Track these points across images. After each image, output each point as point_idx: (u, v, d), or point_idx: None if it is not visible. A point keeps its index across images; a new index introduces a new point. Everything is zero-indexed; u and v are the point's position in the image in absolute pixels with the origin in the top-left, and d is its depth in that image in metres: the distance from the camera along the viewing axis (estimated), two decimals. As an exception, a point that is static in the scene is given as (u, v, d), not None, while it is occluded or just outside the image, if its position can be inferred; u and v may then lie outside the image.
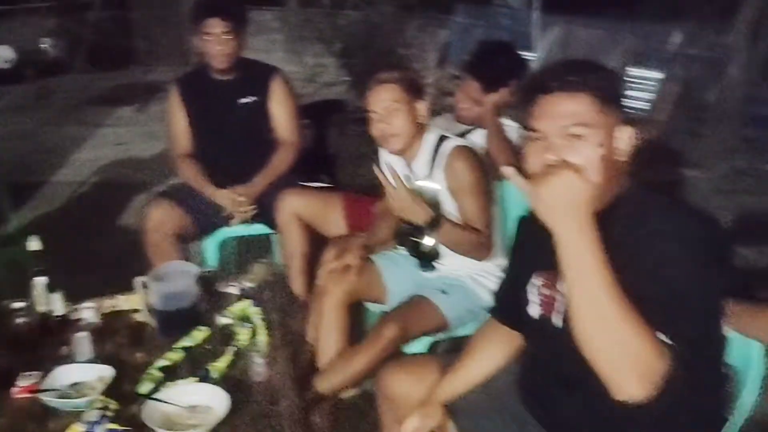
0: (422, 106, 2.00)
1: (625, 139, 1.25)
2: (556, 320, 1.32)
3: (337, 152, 3.44)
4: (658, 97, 5.13)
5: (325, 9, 6.80)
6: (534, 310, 1.39)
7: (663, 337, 1.09)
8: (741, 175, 4.56)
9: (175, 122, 2.73)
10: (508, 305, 1.51)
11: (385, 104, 1.97)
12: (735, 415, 1.39)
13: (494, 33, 6.72)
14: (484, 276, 2.05)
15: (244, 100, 2.69)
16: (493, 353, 1.54)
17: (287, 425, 1.58)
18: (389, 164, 2.14)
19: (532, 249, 1.41)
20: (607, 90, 1.25)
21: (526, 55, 6.01)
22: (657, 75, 5.19)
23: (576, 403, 1.30)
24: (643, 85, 5.26)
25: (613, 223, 1.23)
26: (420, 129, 2.02)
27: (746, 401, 1.40)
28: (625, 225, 1.23)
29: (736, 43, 4.75)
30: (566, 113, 1.23)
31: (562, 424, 1.34)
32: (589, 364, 1.14)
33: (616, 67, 1.40)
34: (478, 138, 2.42)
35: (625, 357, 1.07)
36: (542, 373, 1.40)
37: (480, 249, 1.96)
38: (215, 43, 2.55)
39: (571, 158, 1.20)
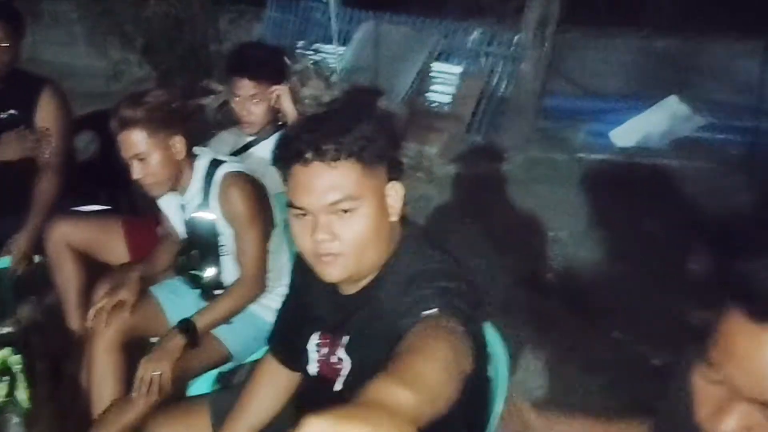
0: (178, 142, 1.82)
1: (396, 196, 1.17)
2: (337, 384, 1.25)
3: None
4: (460, 91, 5.39)
5: (126, -1, 6.32)
6: (312, 368, 1.33)
7: None
8: (535, 164, 4.94)
9: None
10: (286, 347, 1.45)
11: (134, 151, 1.78)
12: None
13: (307, 27, 6.69)
14: (271, 299, 1.99)
15: (3, 115, 2.42)
16: (272, 395, 1.47)
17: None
18: (163, 201, 2.02)
19: (310, 303, 1.35)
20: (372, 151, 1.11)
21: (337, 49, 6.10)
22: (459, 70, 5.45)
23: None
24: (447, 80, 5.50)
25: (382, 288, 1.19)
26: (185, 161, 1.87)
27: (497, 408, 1.46)
28: (389, 290, 1.17)
29: (526, 41, 5.11)
30: (329, 186, 1.08)
31: None
32: None
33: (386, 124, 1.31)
34: (262, 151, 2.35)
35: None
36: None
37: (253, 292, 1.90)
38: None
39: (342, 233, 1.11)
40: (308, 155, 1.07)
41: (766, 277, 0.70)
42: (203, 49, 6.31)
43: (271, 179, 2.05)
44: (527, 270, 3.54)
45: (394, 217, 1.18)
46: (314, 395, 1.37)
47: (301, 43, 6.55)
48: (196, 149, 1.93)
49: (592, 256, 3.76)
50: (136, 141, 1.77)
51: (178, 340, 1.77)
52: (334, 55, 6.32)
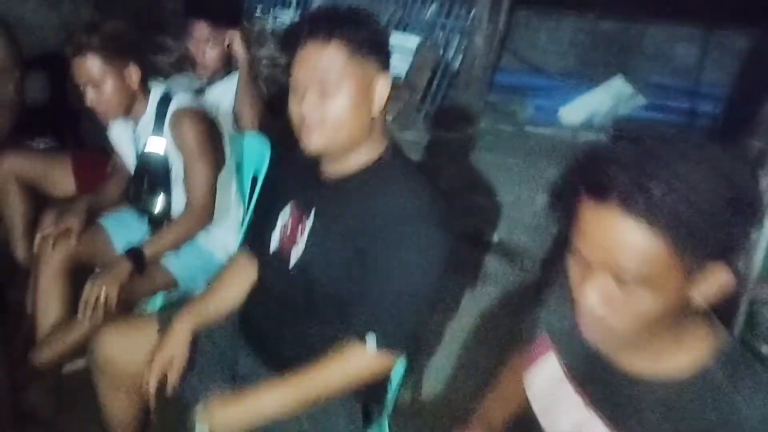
0: (132, 71, 1.85)
1: (382, 90, 1.26)
2: (292, 259, 1.36)
3: (78, 107, 3.17)
4: (416, 62, 5.46)
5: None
6: (274, 242, 1.42)
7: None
8: (484, 135, 5.06)
9: None
10: (255, 236, 1.53)
11: (88, 77, 1.80)
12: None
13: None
14: (218, 233, 2.04)
15: None
16: (238, 284, 1.54)
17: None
18: (116, 128, 2.04)
19: (291, 173, 1.47)
20: (360, 37, 1.24)
21: (295, 16, 6.07)
22: (416, 41, 5.50)
23: (294, 340, 1.38)
24: (405, 50, 5.55)
25: (358, 187, 1.30)
26: (140, 91, 1.90)
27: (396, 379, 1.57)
28: (368, 193, 1.29)
29: (482, 16, 5.21)
30: (319, 63, 1.23)
31: (277, 355, 1.42)
32: (313, 304, 1.33)
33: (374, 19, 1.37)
34: (217, 93, 2.39)
35: None
36: (267, 307, 1.45)
37: (200, 221, 1.93)
38: None
39: (324, 106, 1.23)
40: (304, 34, 1.25)
41: (600, 164, 0.85)
42: (158, 5, 6.19)
43: (224, 121, 2.12)
44: (471, 228, 3.67)
45: (375, 113, 1.28)
46: (270, 275, 1.46)
47: (258, 8, 6.48)
48: (151, 83, 1.96)
49: (534, 219, 3.92)
50: (90, 67, 1.79)
51: (126, 265, 1.81)
52: (291, 21, 6.29)
